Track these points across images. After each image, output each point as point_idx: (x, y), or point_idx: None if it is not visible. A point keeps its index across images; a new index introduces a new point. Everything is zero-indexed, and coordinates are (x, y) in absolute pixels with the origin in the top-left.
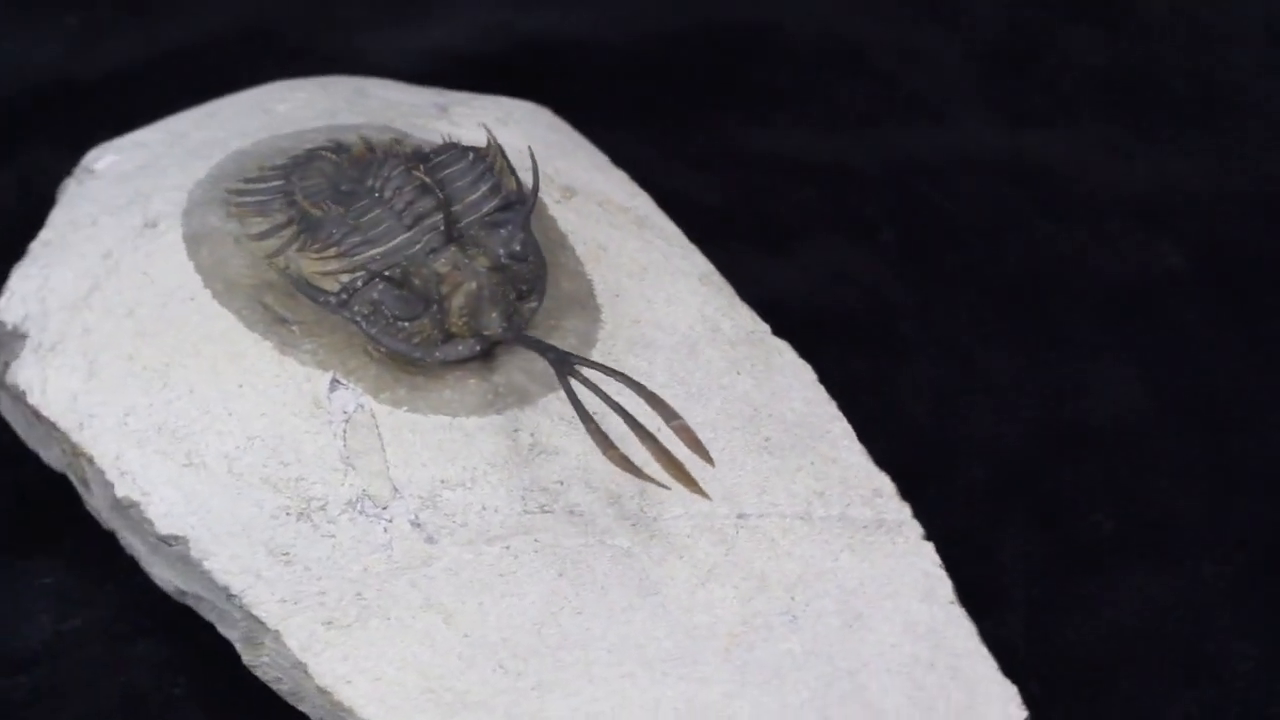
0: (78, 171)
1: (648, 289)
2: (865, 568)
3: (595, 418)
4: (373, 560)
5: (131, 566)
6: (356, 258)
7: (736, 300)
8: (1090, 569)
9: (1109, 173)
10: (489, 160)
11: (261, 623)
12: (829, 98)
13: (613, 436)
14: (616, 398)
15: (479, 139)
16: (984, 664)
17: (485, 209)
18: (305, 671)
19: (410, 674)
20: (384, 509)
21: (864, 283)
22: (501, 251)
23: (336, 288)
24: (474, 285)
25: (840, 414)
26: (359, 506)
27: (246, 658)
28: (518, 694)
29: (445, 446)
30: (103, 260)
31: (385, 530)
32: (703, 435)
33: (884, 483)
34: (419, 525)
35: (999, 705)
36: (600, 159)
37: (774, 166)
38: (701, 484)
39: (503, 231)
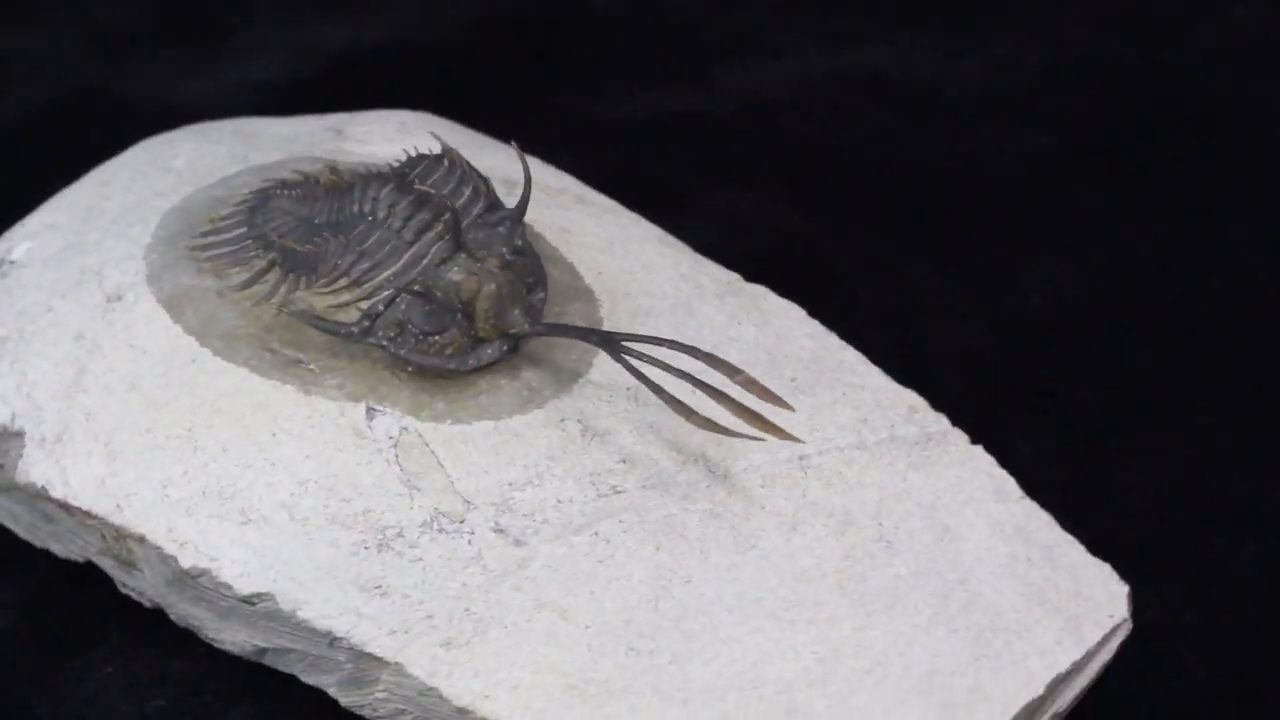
0: None
1: (623, 261)
2: (934, 482)
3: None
4: (468, 574)
5: (188, 638)
6: (369, 283)
7: (697, 255)
8: (1101, 442)
9: (950, 72)
10: (459, 165)
11: (376, 658)
12: (655, 56)
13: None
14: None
15: (389, 153)
16: (1074, 549)
17: (475, 211)
18: (439, 696)
19: (546, 675)
20: (461, 522)
21: (770, 222)
22: (505, 249)
23: (355, 317)
24: (493, 286)
25: (845, 343)
26: (436, 525)
27: (348, 700)
28: (657, 671)
29: (501, 450)
30: (77, 343)
31: (470, 543)
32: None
33: (914, 399)
34: (502, 531)
35: (1101, 585)
36: (508, 150)
37: (635, 129)
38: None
39: (501, 230)
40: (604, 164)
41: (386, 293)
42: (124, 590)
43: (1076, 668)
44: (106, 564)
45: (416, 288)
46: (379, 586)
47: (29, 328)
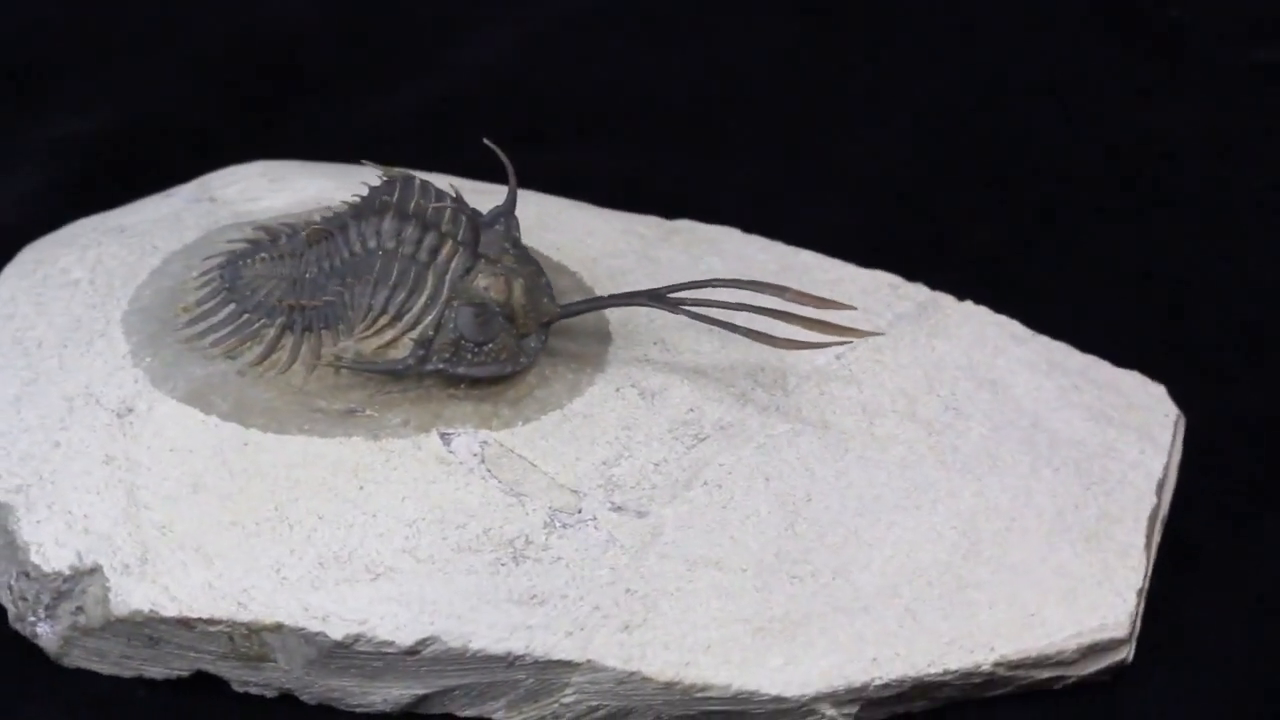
0: None
1: (566, 233)
2: (957, 343)
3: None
4: (610, 558)
5: (325, 712)
6: (409, 314)
7: (606, 210)
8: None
9: None
10: (429, 183)
11: (564, 663)
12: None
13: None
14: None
15: (280, 203)
16: (1103, 367)
17: (486, 219)
18: (640, 678)
19: (731, 626)
20: (579, 512)
21: (643, 155)
22: (508, 245)
23: (405, 350)
24: (521, 281)
25: (793, 247)
26: (558, 523)
27: (527, 715)
28: (827, 590)
29: (580, 435)
30: (110, 466)
31: (596, 528)
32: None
33: (888, 276)
34: (621, 508)
35: (1142, 390)
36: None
37: (453, 104)
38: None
39: (498, 227)
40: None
41: (430, 317)
42: (242, 688)
43: (1166, 469)
44: (226, 667)
45: (469, 304)
46: (534, 596)
47: (44, 469)
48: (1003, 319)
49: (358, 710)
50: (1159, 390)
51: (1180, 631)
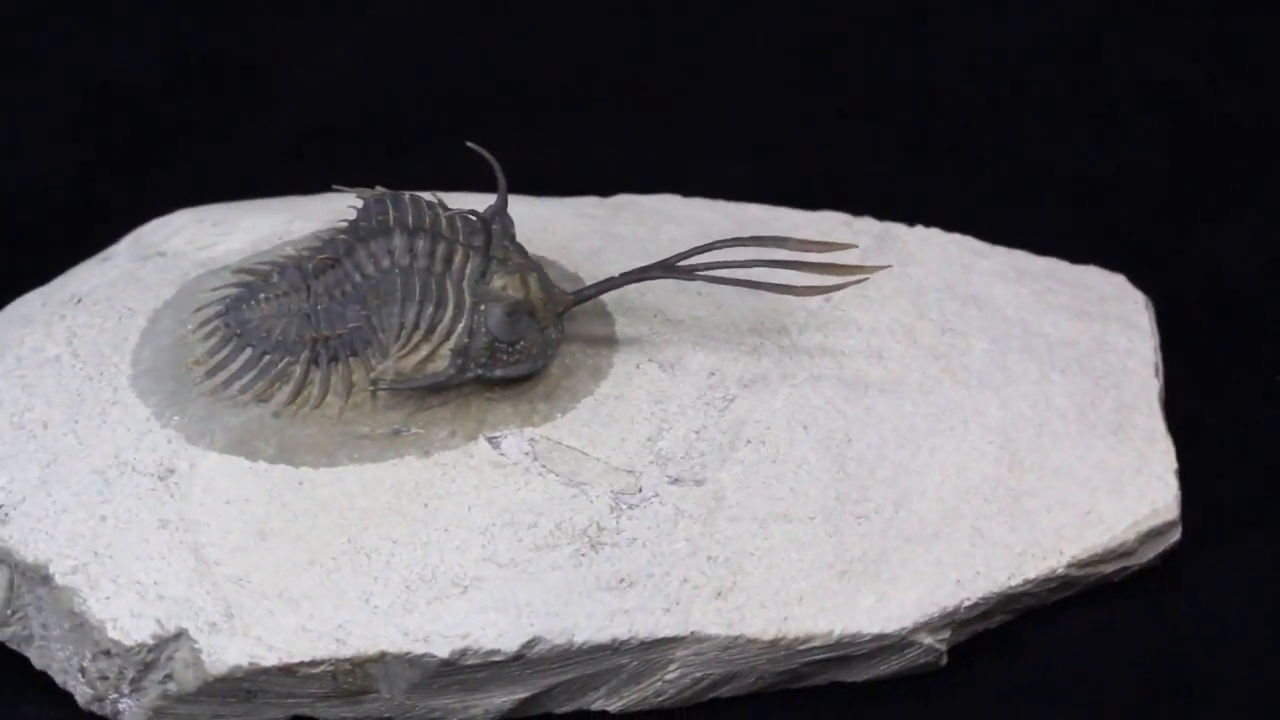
0: None
1: (525, 225)
2: (928, 268)
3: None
4: (683, 529)
5: None
6: (440, 326)
7: (550, 198)
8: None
9: None
10: (408, 194)
11: (668, 639)
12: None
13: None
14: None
15: (231, 245)
16: (1063, 266)
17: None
18: (745, 640)
19: (816, 574)
20: (640, 491)
21: (520, 142)
22: (507, 243)
23: (443, 364)
24: (535, 275)
25: (736, 203)
26: (624, 504)
27: (621, 703)
28: (895, 523)
29: (617, 416)
30: (167, 530)
31: (662, 503)
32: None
33: (836, 215)
34: (678, 480)
35: (1106, 282)
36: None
37: (322, 122)
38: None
39: (495, 227)
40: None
41: (460, 325)
42: None
43: (1155, 351)
44: (325, 707)
45: (504, 307)
46: (622, 580)
47: (97, 545)
48: (958, 237)
49: None
50: (1119, 279)
51: (1215, 507)
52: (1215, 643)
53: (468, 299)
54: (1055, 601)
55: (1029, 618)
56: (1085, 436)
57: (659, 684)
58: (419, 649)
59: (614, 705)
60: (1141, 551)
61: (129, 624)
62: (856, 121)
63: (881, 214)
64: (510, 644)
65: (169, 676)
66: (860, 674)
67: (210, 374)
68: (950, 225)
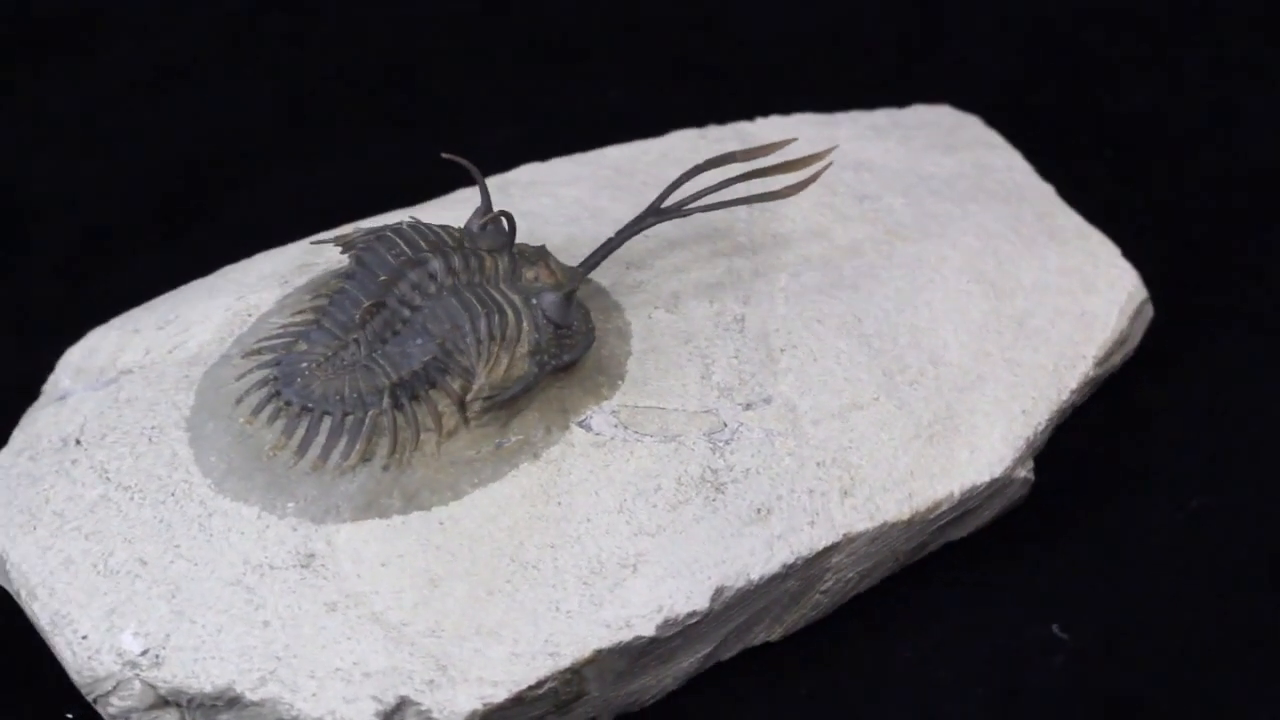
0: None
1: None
2: (797, 150)
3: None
4: (781, 446)
5: None
6: (509, 330)
7: (468, 190)
8: None
9: None
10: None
11: (826, 549)
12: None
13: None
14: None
15: (224, 320)
16: (913, 110)
17: (475, 229)
18: (891, 525)
19: (911, 446)
20: (725, 425)
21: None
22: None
23: (524, 368)
24: (552, 258)
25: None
26: (721, 440)
27: (780, 630)
28: (939, 378)
29: (669, 370)
30: (337, 612)
31: (750, 428)
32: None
33: (691, 132)
34: (749, 405)
35: (955, 120)
36: None
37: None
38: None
39: (490, 228)
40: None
41: (525, 324)
42: None
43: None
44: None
45: (558, 295)
46: (758, 510)
47: (273, 649)
48: (794, 117)
49: (649, 703)
50: (945, 109)
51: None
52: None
53: (516, 298)
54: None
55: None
56: (1034, 250)
57: (815, 597)
58: (626, 636)
59: (775, 634)
60: (1133, 334)
61: (348, 711)
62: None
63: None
64: (700, 601)
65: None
66: (970, 526)
67: (301, 453)
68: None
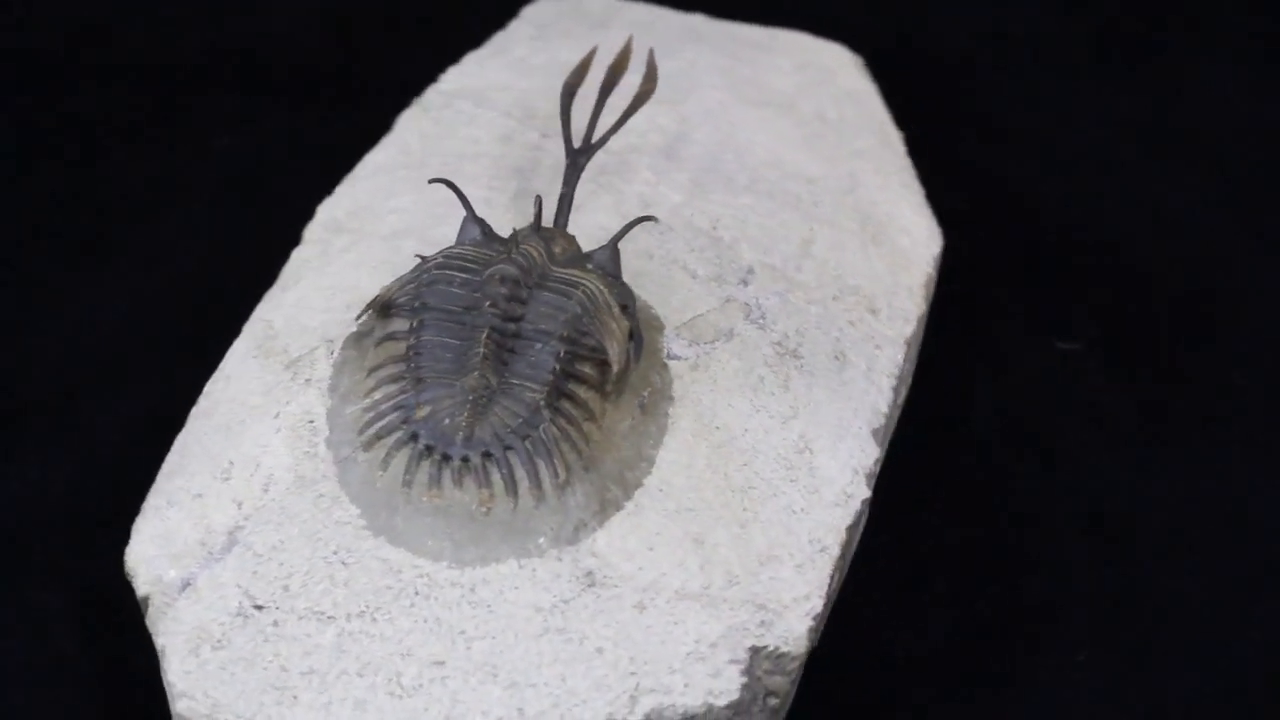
0: None
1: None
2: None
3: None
4: (794, 299)
5: None
6: (600, 299)
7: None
8: None
9: None
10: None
11: (904, 355)
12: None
13: None
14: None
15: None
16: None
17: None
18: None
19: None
20: (746, 305)
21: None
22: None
23: (624, 334)
24: (556, 229)
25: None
26: (755, 318)
27: None
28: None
29: (667, 278)
30: (645, 612)
31: (764, 297)
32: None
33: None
34: (745, 282)
35: (773, 40)
36: None
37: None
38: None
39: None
40: None
41: (600, 296)
42: None
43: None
44: None
45: (599, 253)
46: (835, 357)
47: (621, 662)
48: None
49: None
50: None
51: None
52: None
53: (576, 271)
54: None
55: None
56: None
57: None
58: (855, 504)
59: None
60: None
61: (718, 684)
62: None
63: None
64: (871, 449)
65: (770, 693)
66: None
67: (513, 494)
68: None
